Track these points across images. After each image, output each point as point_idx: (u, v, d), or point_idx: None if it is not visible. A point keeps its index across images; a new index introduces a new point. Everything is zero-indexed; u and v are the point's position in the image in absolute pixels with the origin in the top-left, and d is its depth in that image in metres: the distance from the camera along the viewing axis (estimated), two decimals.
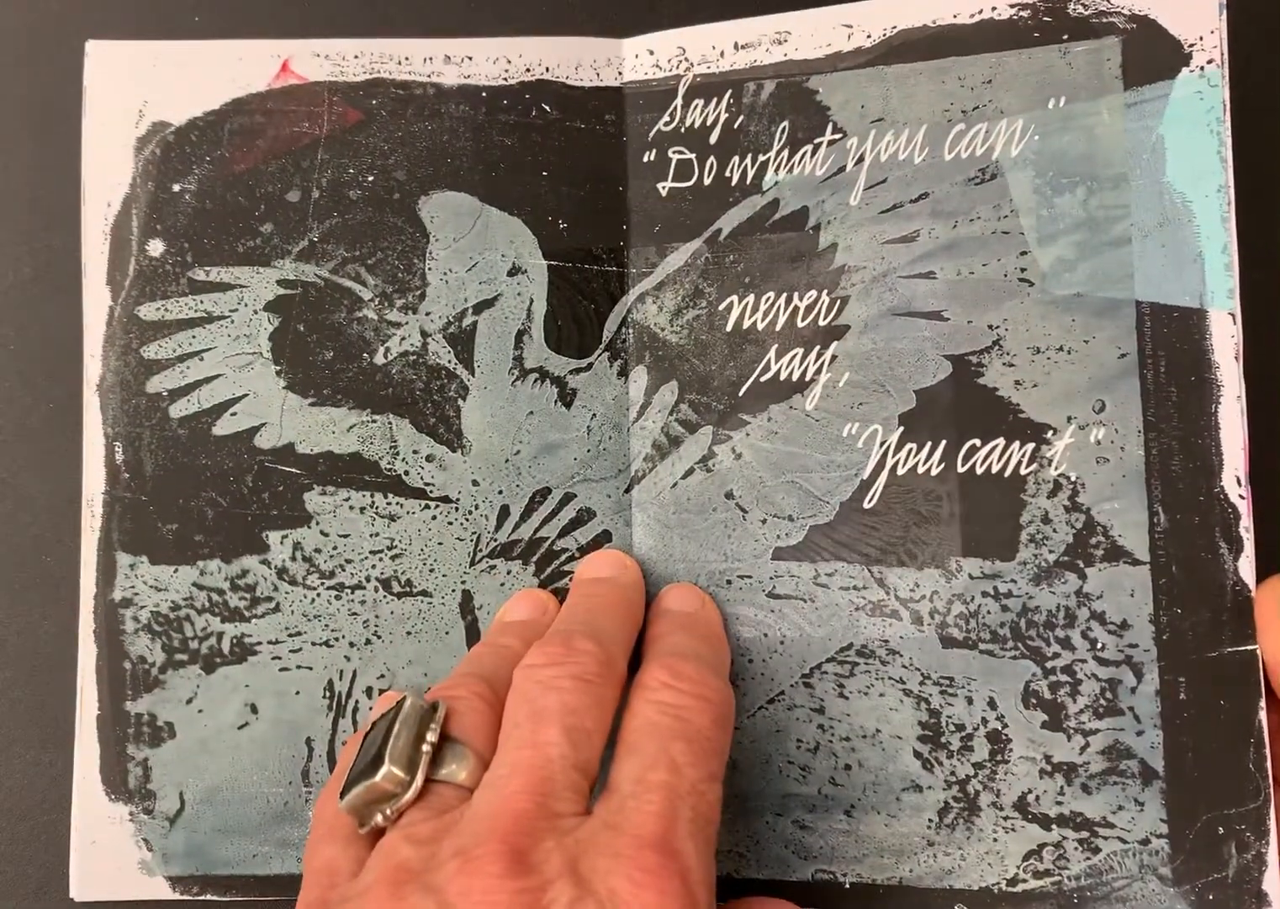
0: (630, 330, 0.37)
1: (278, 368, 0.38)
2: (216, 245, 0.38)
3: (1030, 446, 0.34)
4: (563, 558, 0.37)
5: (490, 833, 0.26)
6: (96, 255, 0.38)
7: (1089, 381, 0.34)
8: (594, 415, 0.37)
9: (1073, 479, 0.34)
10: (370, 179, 0.38)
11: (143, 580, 0.37)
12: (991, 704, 0.34)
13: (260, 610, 0.37)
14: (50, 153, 0.40)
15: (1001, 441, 0.34)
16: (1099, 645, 0.34)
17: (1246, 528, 0.33)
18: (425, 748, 0.29)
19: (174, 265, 0.38)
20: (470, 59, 0.38)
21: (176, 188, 0.38)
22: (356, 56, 0.38)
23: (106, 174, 0.38)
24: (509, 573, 0.37)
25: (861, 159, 0.36)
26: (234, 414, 0.37)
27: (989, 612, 0.34)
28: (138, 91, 0.38)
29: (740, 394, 0.36)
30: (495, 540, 0.37)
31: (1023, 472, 0.34)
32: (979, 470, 0.35)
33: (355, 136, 0.38)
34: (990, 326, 0.35)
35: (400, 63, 0.38)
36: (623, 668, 0.32)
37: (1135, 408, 0.34)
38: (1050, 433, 0.34)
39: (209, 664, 0.37)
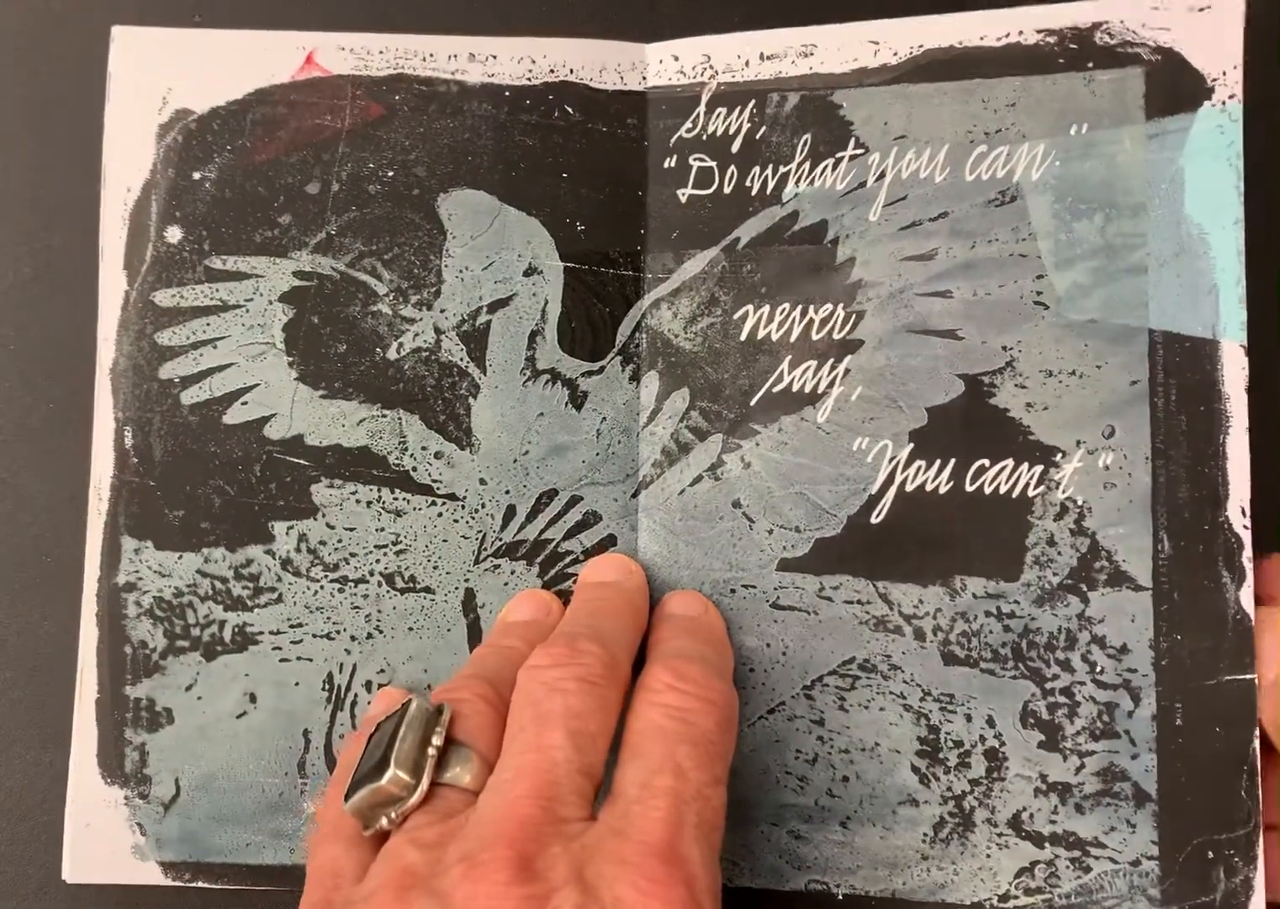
0: (644, 335, 0.37)
1: (290, 359, 0.38)
2: (234, 234, 0.38)
3: (1039, 469, 0.34)
4: (567, 560, 0.37)
5: (496, 838, 0.26)
6: (114, 240, 0.38)
7: (1100, 407, 0.34)
8: (604, 419, 0.37)
9: (1079, 503, 0.34)
10: (390, 174, 0.38)
11: (147, 565, 0.37)
12: (990, 722, 0.34)
13: (263, 600, 0.37)
14: (51, 152, 0.40)
15: (1010, 463, 0.35)
16: (1098, 668, 0.34)
17: (1249, 558, 0.33)
18: (430, 752, 0.29)
19: (191, 253, 0.38)
20: (494, 58, 0.38)
21: (197, 175, 0.38)
22: (381, 51, 0.38)
23: (128, 159, 0.38)
24: (513, 573, 0.37)
25: (883, 175, 0.36)
26: (245, 403, 0.38)
27: (991, 631, 0.35)
28: (162, 78, 0.38)
29: (752, 403, 0.36)
30: (500, 540, 0.37)
31: (1030, 493, 0.34)
32: (987, 490, 0.35)
33: (377, 131, 0.38)
34: (1004, 348, 0.35)
35: (425, 59, 0.38)
36: (627, 670, 0.32)
37: (1144, 435, 0.34)
38: (1059, 456, 0.34)
39: (210, 652, 0.37)
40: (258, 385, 0.38)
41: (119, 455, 0.37)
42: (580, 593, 0.36)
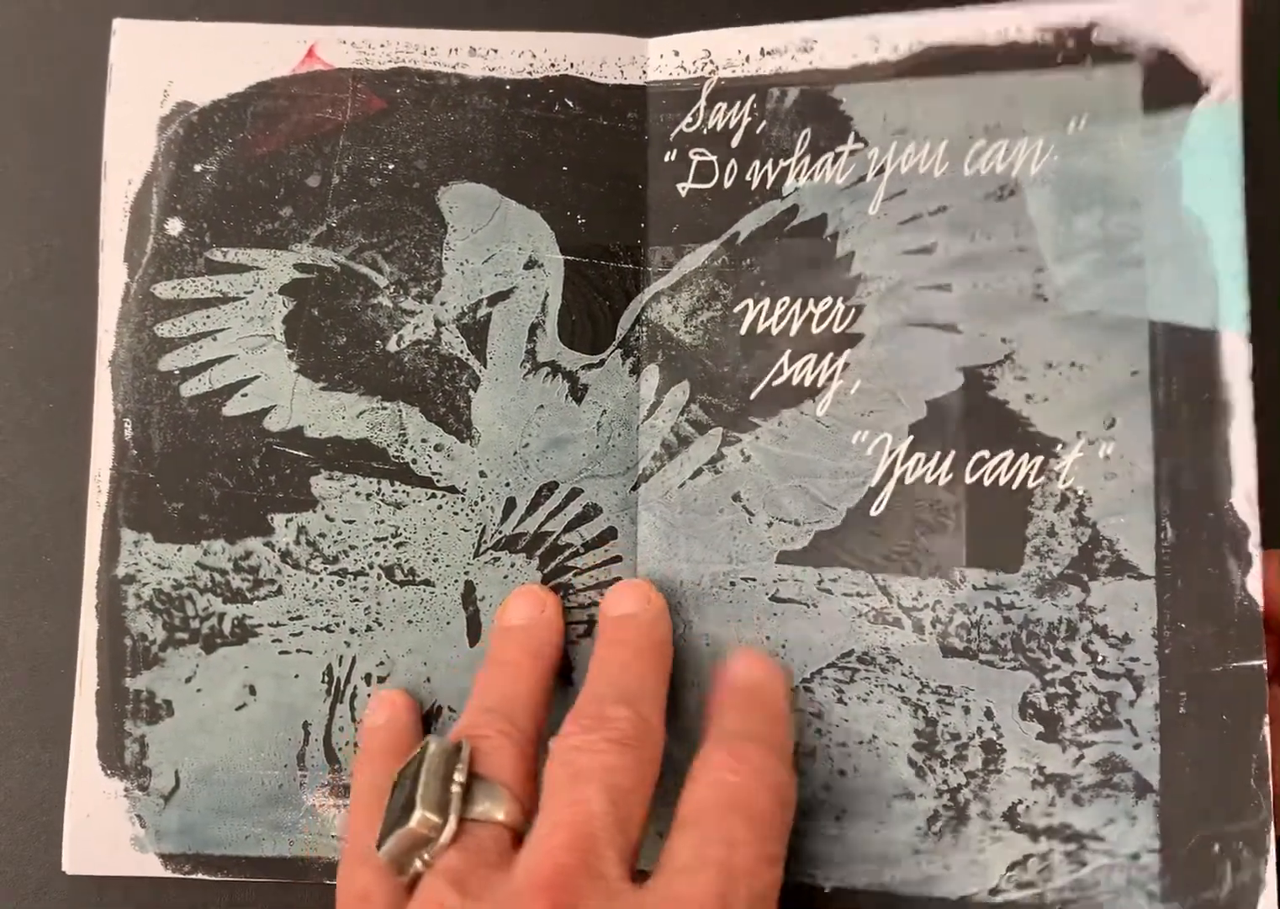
0: (644, 329, 0.37)
1: (290, 351, 0.38)
2: (235, 227, 0.38)
3: (1039, 460, 0.35)
4: (567, 553, 0.37)
5: (531, 888, 0.26)
6: (115, 232, 0.38)
7: (1100, 398, 0.34)
8: (604, 411, 0.37)
9: (1080, 493, 0.34)
10: (391, 167, 0.38)
11: (146, 558, 0.37)
12: (988, 714, 0.34)
13: (262, 592, 0.37)
14: (51, 152, 0.40)
15: (1010, 454, 0.35)
16: (1099, 658, 0.34)
17: (1256, 545, 0.33)
18: (454, 788, 0.29)
19: (192, 245, 0.38)
20: (495, 52, 0.38)
21: (198, 168, 0.38)
22: (382, 45, 0.38)
23: (129, 152, 0.38)
24: (512, 566, 0.37)
25: (882, 170, 0.36)
26: (244, 395, 0.38)
27: (991, 622, 0.35)
28: (163, 71, 0.38)
29: (752, 397, 0.36)
30: (500, 533, 0.37)
31: (1030, 484, 0.35)
32: (986, 482, 0.35)
33: (378, 124, 0.38)
34: (1004, 340, 0.35)
35: (426, 53, 0.38)
36: (659, 725, 0.31)
37: (1146, 425, 0.34)
38: (1059, 447, 0.34)
39: (209, 644, 0.37)
40: (258, 377, 0.38)
41: (118, 447, 0.37)
42: (603, 634, 0.35)
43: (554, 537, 0.37)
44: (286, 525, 0.37)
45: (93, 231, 0.38)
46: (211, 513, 0.37)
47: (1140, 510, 0.34)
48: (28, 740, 0.38)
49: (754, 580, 0.36)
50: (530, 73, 0.38)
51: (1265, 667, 0.33)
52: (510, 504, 0.37)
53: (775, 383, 0.36)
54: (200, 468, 0.37)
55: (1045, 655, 0.34)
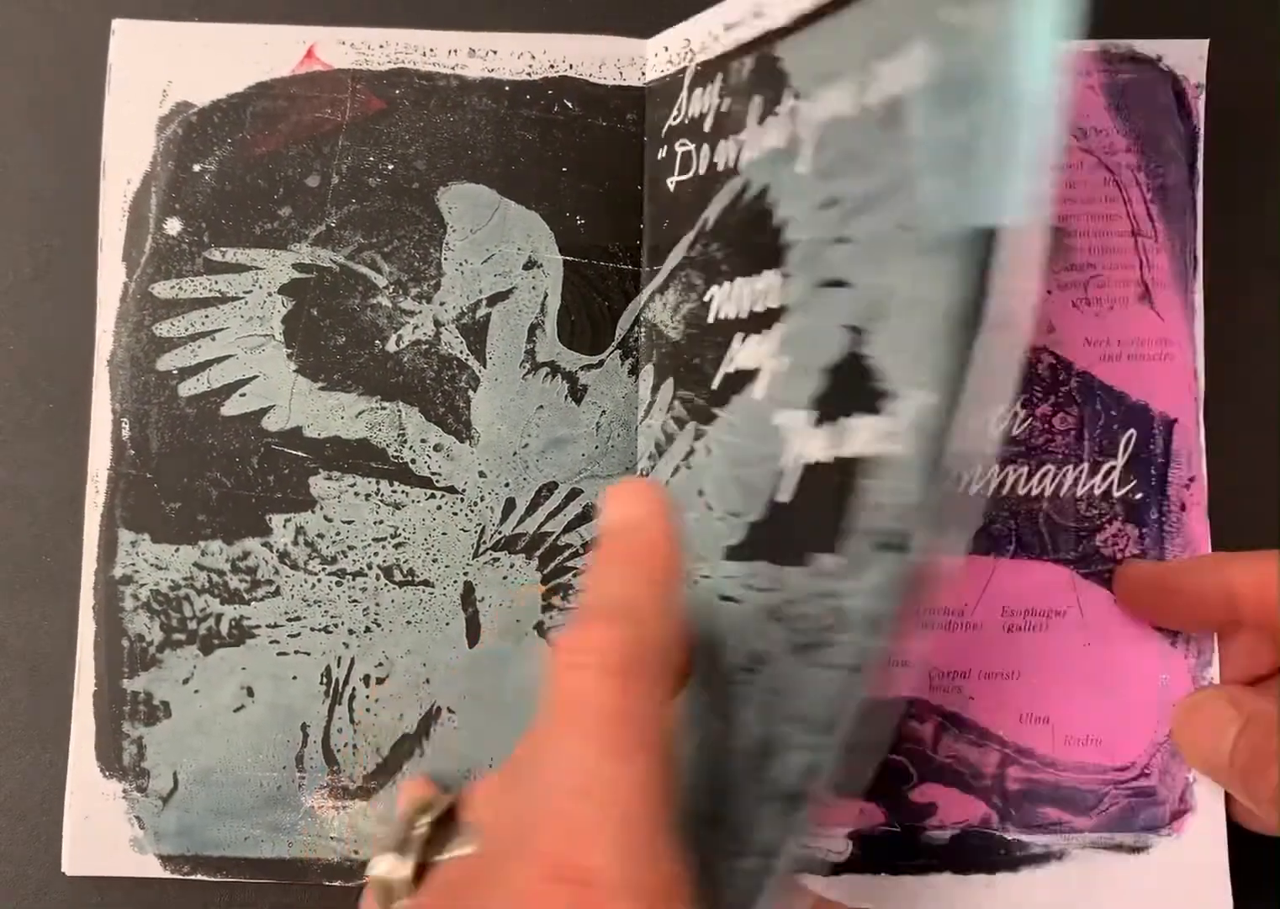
0: (641, 329, 0.37)
1: (289, 351, 0.38)
2: (234, 226, 0.38)
3: (883, 420, 0.27)
4: (566, 553, 0.37)
5: None
6: (114, 231, 0.38)
7: (932, 336, 0.25)
8: (603, 412, 0.37)
9: (902, 454, 0.26)
10: (390, 167, 0.38)
11: (144, 558, 0.37)
12: (770, 720, 0.28)
13: (260, 593, 0.37)
14: (50, 153, 0.40)
15: (865, 418, 0.27)
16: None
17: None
18: (417, 831, 0.28)
19: (191, 245, 0.38)
20: (494, 53, 0.38)
21: (197, 168, 0.38)
22: (382, 46, 0.38)
23: (128, 151, 0.38)
24: (512, 567, 0.37)
25: (810, 123, 0.31)
26: (243, 395, 0.37)
27: (816, 614, 0.28)
28: (162, 71, 0.38)
29: (714, 388, 0.34)
30: (499, 533, 0.37)
31: (874, 450, 0.27)
32: (847, 452, 0.28)
33: (377, 125, 0.38)
34: (880, 287, 0.28)
35: (425, 54, 0.38)
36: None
37: (957, 364, 0.24)
38: (896, 401, 0.26)
39: (207, 645, 0.37)
40: (256, 377, 0.38)
41: (116, 447, 0.37)
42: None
43: (553, 537, 0.37)
44: (285, 526, 0.37)
45: (92, 231, 0.38)
46: (209, 513, 0.37)
47: (925, 470, 0.25)
48: (28, 741, 0.38)
49: (710, 578, 0.32)
50: (529, 74, 0.38)
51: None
52: (510, 504, 0.37)
53: (729, 370, 0.34)
54: (198, 468, 0.37)
55: (819, 652, 0.27)
